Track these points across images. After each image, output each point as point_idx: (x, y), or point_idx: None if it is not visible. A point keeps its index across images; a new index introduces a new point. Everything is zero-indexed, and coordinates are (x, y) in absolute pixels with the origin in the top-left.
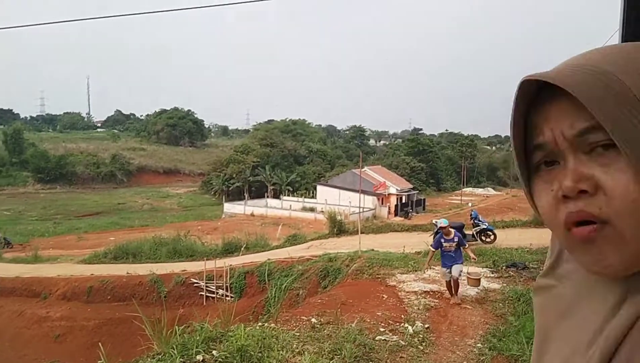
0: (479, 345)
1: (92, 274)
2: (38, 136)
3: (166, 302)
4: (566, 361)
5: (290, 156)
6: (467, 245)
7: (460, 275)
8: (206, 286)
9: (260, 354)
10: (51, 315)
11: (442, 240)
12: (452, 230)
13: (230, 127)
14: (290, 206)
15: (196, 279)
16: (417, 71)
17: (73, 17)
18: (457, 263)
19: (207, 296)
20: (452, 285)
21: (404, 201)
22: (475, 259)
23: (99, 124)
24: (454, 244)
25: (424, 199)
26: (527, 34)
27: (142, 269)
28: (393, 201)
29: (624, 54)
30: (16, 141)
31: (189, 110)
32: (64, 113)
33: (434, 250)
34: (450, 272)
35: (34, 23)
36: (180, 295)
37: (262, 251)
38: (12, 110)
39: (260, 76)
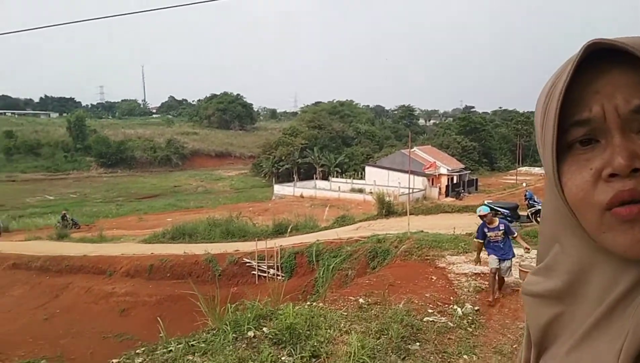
0: None
1: (152, 253)
2: (99, 122)
3: (220, 280)
4: (576, 344)
5: (338, 138)
6: (516, 234)
7: (508, 272)
8: (258, 266)
9: (308, 332)
10: (116, 291)
11: (486, 230)
12: (496, 219)
13: (278, 110)
14: (339, 187)
15: (248, 259)
16: (468, 47)
17: (127, 8)
18: (507, 258)
19: (259, 276)
20: (497, 280)
21: (455, 181)
22: (529, 249)
23: (154, 110)
24: (500, 232)
25: (477, 179)
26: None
27: (197, 248)
28: (444, 181)
29: None
30: (79, 128)
31: (238, 94)
32: (122, 100)
33: (480, 241)
34: (499, 263)
35: (92, 18)
36: (234, 273)
37: (311, 232)
38: (74, 98)
39: (308, 58)
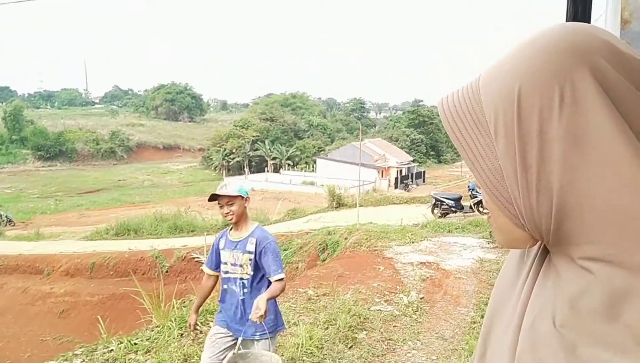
0: (471, 313)
1: (94, 250)
2: (36, 113)
3: (168, 277)
4: (504, 323)
5: (290, 130)
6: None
7: None
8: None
9: None
10: (55, 291)
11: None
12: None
13: (229, 102)
14: (290, 180)
15: (197, 254)
16: (418, 42)
17: None
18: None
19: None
20: None
21: (404, 173)
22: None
23: (97, 100)
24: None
25: (424, 171)
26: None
27: (143, 245)
28: (393, 173)
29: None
30: (15, 118)
31: (187, 84)
32: (62, 90)
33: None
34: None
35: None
36: (182, 269)
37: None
38: (9, 87)
39: (259, 49)
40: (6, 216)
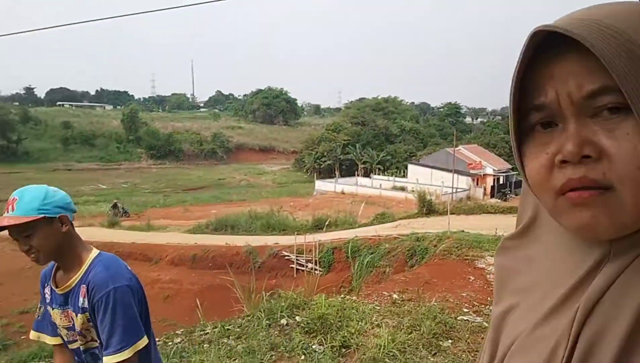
0: None
1: (195, 243)
2: (150, 115)
3: (260, 272)
4: (538, 320)
5: (382, 135)
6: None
7: None
8: (296, 260)
9: (340, 323)
10: (161, 278)
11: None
12: None
13: (322, 106)
14: (381, 184)
15: (287, 252)
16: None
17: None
18: None
19: (297, 269)
20: None
21: (501, 182)
22: None
23: (202, 104)
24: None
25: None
26: None
27: (239, 240)
28: (489, 181)
29: (636, 14)
30: (132, 120)
31: (282, 89)
32: (172, 94)
33: None
34: None
35: (144, 11)
36: (273, 266)
37: (351, 229)
38: (127, 92)
39: (353, 54)
40: (122, 208)
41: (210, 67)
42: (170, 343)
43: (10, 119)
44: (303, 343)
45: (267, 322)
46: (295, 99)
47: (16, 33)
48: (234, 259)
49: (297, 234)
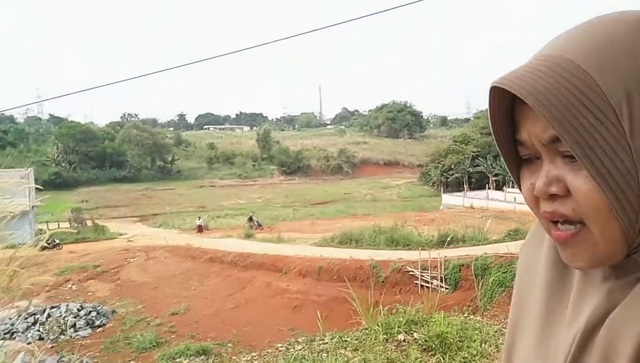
0: None
1: (321, 255)
2: (281, 134)
3: (383, 287)
4: (544, 332)
5: None
6: None
7: None
8: (421, 276)
9: (460, 343)
10: (290, 288)
11: None
12: None
13: (449, 117)
14: (515, 198)
15: (411, 268)
16: None
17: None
18: None
19: (421, 285)
20: None
21: None
22: None
23: (329, 122)
24: None
25: None
26: None
27: (362, 254)
28: None
29: (587, 35)
30: (265, 139)
31: (406, 102)
32: (301, 113)
33: None
34: None
35: (275, 39)
36: (397, 281)
37: (479, 245)
38: (262, 113)
39: (480, 61)
40: (256, 221)
41: (336, 86)
42: (291, 349)
43: (166, 143)
44: (420, 361)
45: (384, 336)
46: (421, 112)
47: (168, 69)
48: (357, 272)
49: (422, 249)
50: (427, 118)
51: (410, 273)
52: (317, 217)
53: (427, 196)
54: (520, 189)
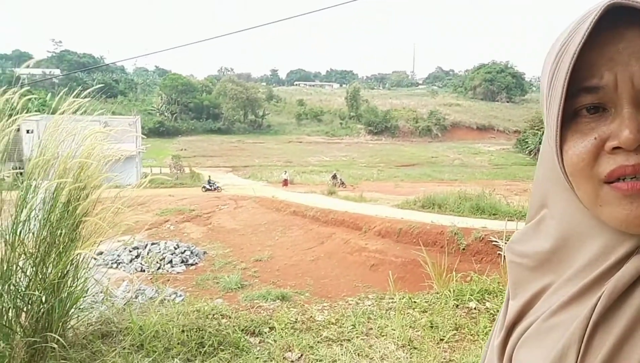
0: None
1: (402, 218)
2: (371, 93)
3: (464, 254)
4: (557, 309)
5: None
6: None
7: None
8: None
9: None
10: (368, 247)
11: None
12: None
13: None
14: None
15: (495, 238)
16: None
17: None
18: None
19: (504, 257)
20: None
21: None
22: None
23: (421, 82)
24: None
25: None
26: None
27: (444, 219)
28: None
29: None
30: (354, 98)
31: (508, 62)
32: (393, 72)
33: None
34: None
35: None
36: (478, 250)
37: None
38: (352, 71)
39: None
40: (340, 179)
41: (432, 43)
42: (361, 304)
43: (258, 97)
44: (489, 330)
45: (455, 302)
46: (523, 73)
47: (264, 24)
48: (437, 238)
49: (509, 220)
50: (530, 81)
51: (494, 243)
52: (402, 179)
53: (522, 164)
54: (558, 150)
